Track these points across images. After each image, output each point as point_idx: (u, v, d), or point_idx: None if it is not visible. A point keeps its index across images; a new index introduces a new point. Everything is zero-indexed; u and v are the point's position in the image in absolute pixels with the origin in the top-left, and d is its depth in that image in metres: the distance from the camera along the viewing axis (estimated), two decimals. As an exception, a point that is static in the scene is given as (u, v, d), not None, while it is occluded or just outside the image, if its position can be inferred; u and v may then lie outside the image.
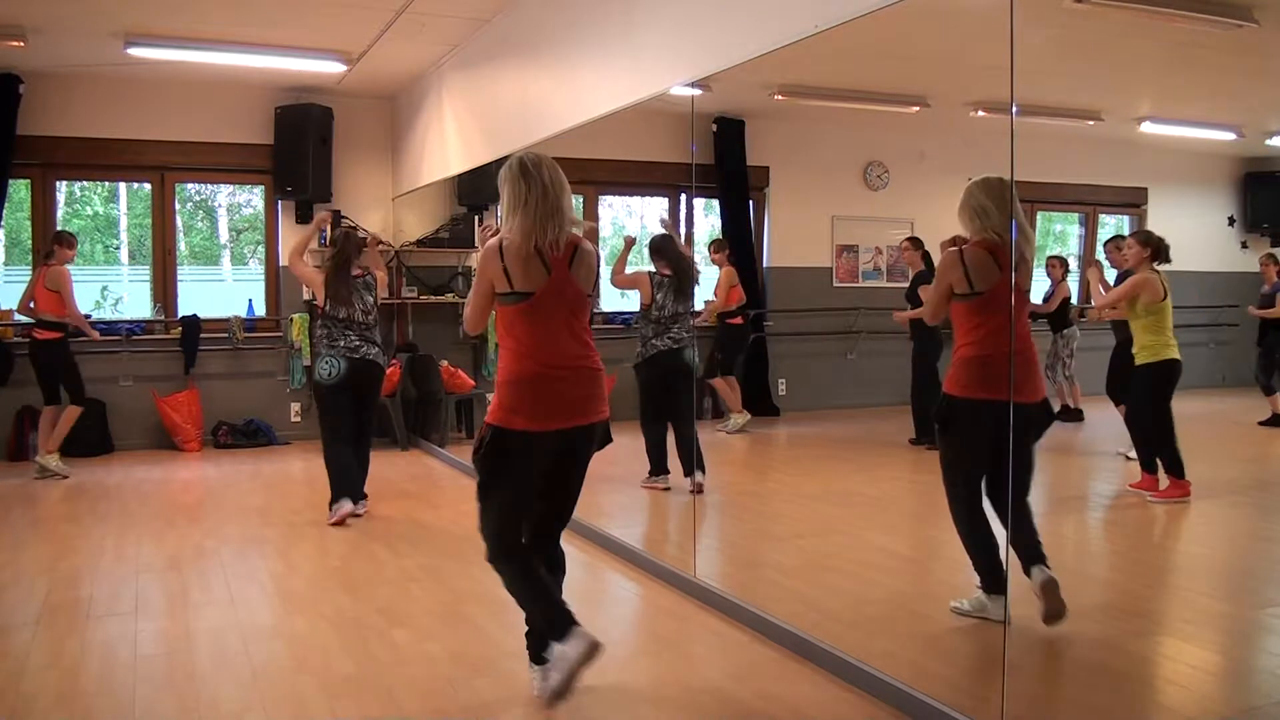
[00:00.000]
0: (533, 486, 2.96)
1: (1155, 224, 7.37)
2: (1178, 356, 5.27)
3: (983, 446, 3.44)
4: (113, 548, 4.86)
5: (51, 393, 6.65)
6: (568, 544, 3.48)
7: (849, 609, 3.83)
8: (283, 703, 3.03)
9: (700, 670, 3.31)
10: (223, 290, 8.54)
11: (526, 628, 3.08)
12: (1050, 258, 7.52)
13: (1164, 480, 5.28)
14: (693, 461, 5.55)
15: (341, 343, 5.31)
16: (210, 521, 5.45)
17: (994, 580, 3.48)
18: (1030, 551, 3.40)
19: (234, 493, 6.22)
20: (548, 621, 2.91)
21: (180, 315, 7.92)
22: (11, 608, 3.91)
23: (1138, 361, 5.32)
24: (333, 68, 7.25)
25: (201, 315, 7.88)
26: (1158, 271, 5.30)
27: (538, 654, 3.04)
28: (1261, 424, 6.89)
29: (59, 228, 7.53)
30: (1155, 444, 5.31)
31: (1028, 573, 3.38)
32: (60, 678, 3.20)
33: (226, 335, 8.00)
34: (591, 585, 4.38)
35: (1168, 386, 5.27)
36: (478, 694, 3.13)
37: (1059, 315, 6.96)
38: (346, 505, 5.28)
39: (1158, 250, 5.24)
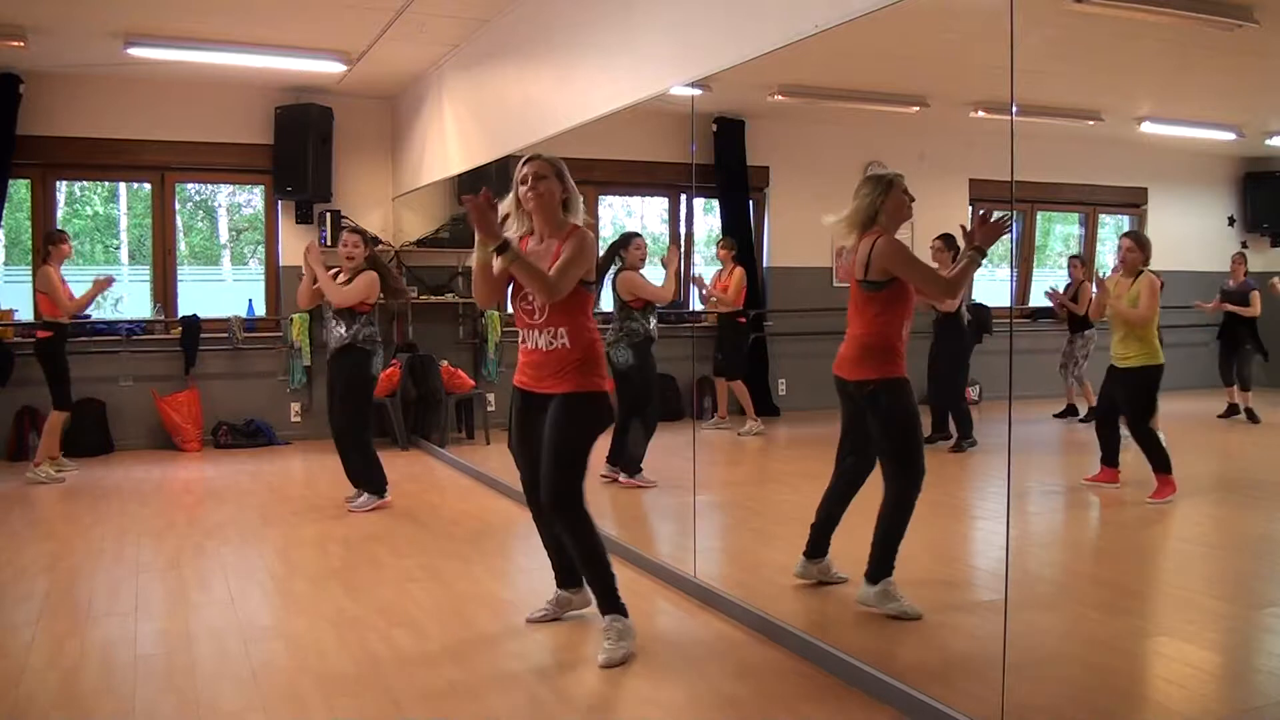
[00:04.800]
0: None
1: (1155, 224, 7.38)
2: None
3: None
4: (112, 548, 4.86)
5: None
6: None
7: (849, 609, 3.82)
8: (283, 703, 3.03)
9: (700, 670, 3.31)
10: (223, 290, 8.55)
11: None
12: (1071, 257, 7.53)
13: (1148, 478, 5.26)
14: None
15: (381, 337, 5.61)
16: (210, 521, 5.45)
17: (813, 545, 3.94)
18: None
19: (234, 493, 6.22)
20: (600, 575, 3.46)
21: (180, 315, 7.92)
22: (11, 608, 3.91)
23: (1134, 364, 5.25)
24: (333, 68, 7.25)
25: (201, 315, 7.88)
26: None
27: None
28: (1220, 417, 6.90)
29: (59, 228, 7.52)
30: (1146, 445, 5.26)
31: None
32: (60, 678, 3.20)
33: (226, 335, 8.00)
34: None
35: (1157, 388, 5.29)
36: (478, 694, 3.13)
37: (1078, 316, 6.94)
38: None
39: (1148, 252, 5.32)
